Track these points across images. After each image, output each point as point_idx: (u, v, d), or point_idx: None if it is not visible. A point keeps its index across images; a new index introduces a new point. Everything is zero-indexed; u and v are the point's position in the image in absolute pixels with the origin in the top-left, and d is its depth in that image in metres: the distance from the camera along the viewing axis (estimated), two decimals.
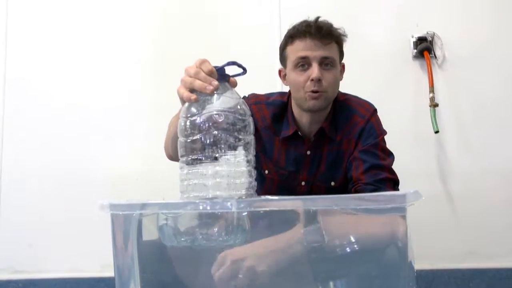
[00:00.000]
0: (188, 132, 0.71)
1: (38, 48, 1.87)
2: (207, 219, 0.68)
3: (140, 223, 0.76)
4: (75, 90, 1.84)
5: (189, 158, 0.71)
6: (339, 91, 1.25)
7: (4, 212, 1.79)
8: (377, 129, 1.20)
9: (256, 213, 0.67)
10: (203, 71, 0.75)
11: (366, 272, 0.70)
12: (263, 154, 1.24)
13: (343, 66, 1.23)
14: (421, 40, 1.80)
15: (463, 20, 1.82)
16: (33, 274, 1.76)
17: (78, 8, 1.89)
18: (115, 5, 1.89)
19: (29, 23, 1.88)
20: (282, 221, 0.71)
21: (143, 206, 0.70)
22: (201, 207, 0.66)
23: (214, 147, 0.69)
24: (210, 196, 0.68)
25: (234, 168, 0.70)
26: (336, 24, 1.19)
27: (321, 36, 1.12)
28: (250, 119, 0.74)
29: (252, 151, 0.74)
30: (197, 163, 0.70)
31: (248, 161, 0.72)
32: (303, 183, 1.22)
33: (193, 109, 0.72)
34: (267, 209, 0.66)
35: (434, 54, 1.80)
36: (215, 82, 0.73)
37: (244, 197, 0.69)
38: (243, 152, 0.71)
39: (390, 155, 1.18)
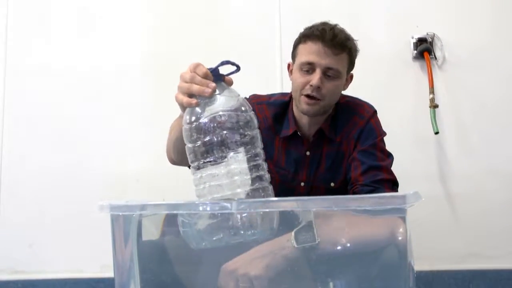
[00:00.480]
0: (194, 137, 0.72)
1: (38, 48, 1.87)
2: (232, 216, 0.68)
3: (140, 224, 0.76)
4: (75, 90, 1.84)
5: (200, 162, 0.72)
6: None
7: (4, 213, 1.79)
8: (376, 130, 1.20)
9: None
10: (198, 75, 0.75)
11: (366, 273, 0.70)
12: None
13: (351, 77, 1.23)
14: (421, 41, 1.80)
15: (463, 21, 1.82)
16: (32, 275, 1.76)
17: (78, 9, 1.88)
18: (115, 6, 1.88)
19: (29, 23, 1.88)
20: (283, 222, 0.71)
21: (143, 207, 0.70)
22: (200, 208, 0.66)
23: (222, 147, 0.70)
24: (229, 194, 0.69)
25: (245, 165, 0.71)
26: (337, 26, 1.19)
27: (333, 45, 1.11)
28: (252, 114, 0.75)
29: (260, 144, 0.75)
30: (208, 166, 0.71)
31: (257, 155, 0.73)
32: (302, 183, 1.22)
33: (195, 114, 0.73)
34: (267, 210, 0.66)
35: (434, 55, 1.80)
36: (212, 84, 0.74)
37: (260, 191, 0.71)
38: (249, 147, 0.72)
39: (389, 156, 1.18)
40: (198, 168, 0.72)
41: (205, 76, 0.75)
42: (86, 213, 1.65)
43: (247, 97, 1.25)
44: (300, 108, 1.17)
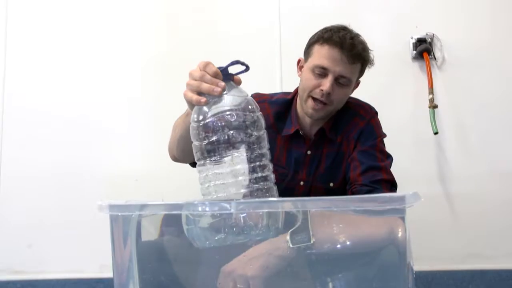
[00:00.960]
0: (202, 135, 0.72)
1: (38, 49, 1.87)
2: (236, 216, 0.69)
3: (139, 224, 0.76)
4: (74, 91, 1.84)
5: (206, 161, 0.72)
6: None
7: (3, 213, 1.79)
8: (377, 131, 1.20)
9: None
10: (208, 73, 0.75)
11: (366, 273, 0.70)
12: None
13: (358, 83, 1.23)
14: (420, 41, 1.80)
15: (462, 22, 1.82)
16: (32, 275, 1.76)
17: (78, 10, 1.88)
18: (115, 7, 1.88)
19: (29, 24, 1.88)
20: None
21: (142, 207, 0.70)
22: (200, 209, 0.66)
23: (229, 146, 0.71)
24: (233, 193, 0.70)
25: (251, 165, 0.71)
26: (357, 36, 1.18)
27: (350, 54, 1.11)
28: (260, 114, 0.75)
29: (266, 145, 0.75)
30: (214, 164, 0.71)
31: (263, 155, 0.73)
32: (301, 183, 1.23)
33: (204, 112, 0.73)
34: (266, 210, 0.66)
35: (434, 56, 1.80)
36: (222, 83, 0.74)
37: (264, 191, 0.71)
38: (255, 147, 0.72)
39: (388, 157, 1.19)
40: (204, 166, 0.73)
41: (215, 75, 0.75)
42: (85, 213, 1.64)
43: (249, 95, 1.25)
44: (305, 110, 1.17)
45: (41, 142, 1.82)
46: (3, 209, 1.79)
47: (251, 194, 0.70)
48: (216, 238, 0.69)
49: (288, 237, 0.71)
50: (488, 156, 1.76)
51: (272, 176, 0.75)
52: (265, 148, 0.75)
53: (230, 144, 0.71)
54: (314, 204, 0.65)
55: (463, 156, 1.77)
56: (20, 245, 1.78)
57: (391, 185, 1.14)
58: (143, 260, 0.76)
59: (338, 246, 0.70)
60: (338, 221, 0.71)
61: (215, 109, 0.73)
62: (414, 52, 1.80)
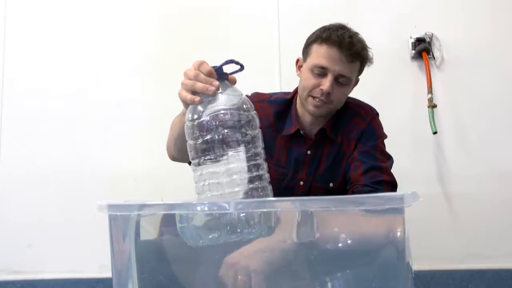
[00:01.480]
0: (196, 134, 0.72)
1: (37, 47, 1.87)
2: (230, 214, 0.68)
3: (138, 224, 0.76)
4: (74, 91, 1.84)
5: (201, 160, 0.72)
6: None
7: (2, 213, 1.79)
8: (378, 132, 1.21)
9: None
10: (202, 72, 0.75)
11: (364, 272, 0.70)
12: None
13: (357, 81, 1.23)
14: (419, 41, 1.80)
15: (461, 21, 1.82)
16: (31, 275, 1.76)
17: (78, 8, 1.88)
18: (115, 7, 1.88)
19: (28, 24, 1.88)
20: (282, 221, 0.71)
21: (141, 207, 0.70)
22: (198, 208, 0.66)
23: (224, 145, 0.71)
24: (228, 192, 0.70)
25: (245, 164, 0.71)
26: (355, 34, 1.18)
27: (349, 53, 1.11)
28: (254, 113, 0.76)
29: (261, 144, 0.75)
30: (209, 163, 0.71)
31: (257, 154, 0.74)
32: (301, 182, 1.23)
33: (198, 111, 0.74)
34: (265, 210, 0.66)
35: (433, 55, 1.80)
36: (216, 82, 0.74)
37: (259, 190, 0.71)
38: (250, 146, 0.72)
39: (389, 158, 1.19)
40: (199, 165, 0.73)
41: (209, 74, 0.75)
42: (84, 213, 1.64)
43: (249, 95, 1.25)
44: (307, 109, 1.18)
45: (40, 142, 1.82)
46: (2, 209, 1.79)
47: (245, 193, 0.70)
48: (210, 237, 0.69)
49: (294, 232, 0.71)
50: (487, 155, 1.76)
51: (267, 175, 0.76)
52: (260, 147, 0.75)
53: (225, 143, 0.71)
54: (313, 204, 0.65)
55: (462, 156, 1.77)
56: (20, 245, 1.78)
57: (392, 186, 1.15)
58: (142, 260, 0.76)
59: (340, 244, 0.70)
60: (340, 218, 0.71)
61: (209, 108, 0.73)
62: (413, 51, 1.80)
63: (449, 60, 1.81)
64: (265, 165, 0.76)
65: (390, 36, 1.82)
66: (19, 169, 1.81)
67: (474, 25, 1.81)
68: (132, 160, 1.80)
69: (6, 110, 1.84)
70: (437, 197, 1.75)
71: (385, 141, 1.22)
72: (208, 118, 0.72)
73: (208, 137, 0.71)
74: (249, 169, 0.72)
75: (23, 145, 1.82)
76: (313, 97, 1.15)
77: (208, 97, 0.74)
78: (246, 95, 0.79)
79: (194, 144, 0.73)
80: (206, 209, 0.66)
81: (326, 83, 1.12)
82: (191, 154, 0.75)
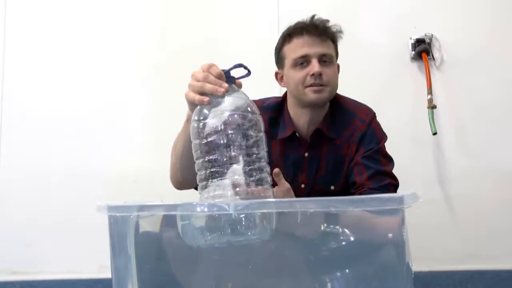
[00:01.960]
0: (203, 134, 0.73)
1: (37, 48, 1.87)
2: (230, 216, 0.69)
3: (137, 225, 0.76)
4: (73, 91, 1.84)
5: (205, 159, 0.73)
6: (337, 93, 1.26)
7: (2, 213, 1.79)
8: (378, 135, 1.21)
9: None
10: (212, 74, 0.77)
11: (364, 273, 0.70)
12: None
13: (338, 66, 1.23)
14: (419, 42, 1.80)
15: (461, 22, 1.82)
16: (31, 275, 1.76)
17: (78, 8, 1.88)
18: (117, 10, 1.88)
19: (28, 24, 1.88)
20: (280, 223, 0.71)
21: (141, 207, 0.70)
22: (198, 209, 0.66)
23: (228, 146, 0.72)
24: (229, 193, 0.71)
25: (248, 166, 0.72)
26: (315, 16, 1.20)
27: (318, 33, 1.14)
28: (259, 117, 0.77)
29: (264, 147, 0.76)
30: (212, 163, 0.72)
31: (260, 157, 0.74)
32: (302, 185, 1.22)
33: (205, 112, 0.75)
34: (265, 211, 0.66)
35: (432, 56, 1.80)
36: (225, 84, 0.76)
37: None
38: (253, 149, 0.74)
39: (390, 160, 1.20)
40: (203, 165, 0.74)
41: (219, 77, 0.77)
42: (84, 214, 1.64)
43: None
44: (308, 100, 1.16)
45: (40, 143, 1.82)
46: (2, 209, 1.79)
47: (247, 194, 0.70)
48: (210, 237, 0.69)
49: (294, 233, 0.72)
50: (487, 156, 1.76)
51: (269, 178, 0.76)
52: (263, 151, 0.76)
53: (229, 145, 0.72)
54: (313, 205, 0.65)
55: (461, 157, 1.77)
56: (19, 245, 1.78)
57: (395, 189, 1.16)
58: (141, 260, 0.76)
59: (340, 245, 0.70)
60: (340, 220, 0.71)
61: (217, 109, 0.74)
62: (413, 52, 1.80)
63: (449, 61, 1.81)
64: (268, 168, 0.76)
65: (390, 37, 1.82)
66: (18, 169, 1.81)
67: (474, 26, 1.81)
68: (132, 160, 1.80)
69: (6, 110, 1.84)
70: (436, 198, 1.75)
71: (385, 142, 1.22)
72: (214, 119, 0.73)
73: (214, 137, 0.72)
74: (252, 172, 0.72)
75: (23, 145, 1.82)
76: (309, 86, 1.15)
77: (216, 98, 0.75)
78: None
79: (199, 144, 0.74)
80: (206, 210, 0.66)
81: (314, 66, 1.13)
82: (195, 154, 0.75)
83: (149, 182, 1.75)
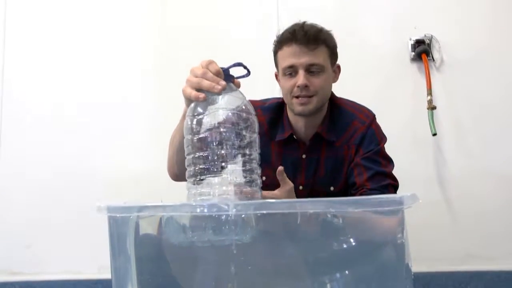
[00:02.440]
0: (196, 129, 0.73)
1: (37, 48, 1.87)
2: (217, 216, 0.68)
3: (137, 225, 0.76)
4: (73, 91, 1.84)
5: (196, 156, 0.72)
6: (335, 95, 1.26)
7: (2, 213, 1.79)
8: (378, 136, 1.21)
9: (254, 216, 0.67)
10: (210, 71, 0.76)
11: (364, 274, 0.70)
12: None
13: (338, 67, 1.23)
14: (419, 42, 1.80)
15: (461, 23, 1.83)
16: (30, 276, 1.76)
17: (78, 9, 1.89)
18: (116, 10, 1.89)
19: (28, 24, 1.88)
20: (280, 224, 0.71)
21: (141, 208, 0.70)
22: (198, 210, 0.66)
23: (220, 145, 0.71)
24: (217, 190, 0.71)
25: (239, 166, 0.72)
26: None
27: (307, 42, 1.12)
28: (255, 118, 0.76)
29: (257, 149, 0.76)
30: (203, 160, 0.72)
31: (252, 158, 0.74)
32: (301, 187, 1.22)
33: (200, 108, 0.74)
34: (264, 211, 0.66)
35: (432, 57, 1.80)
36: (223, 82, 0.75)
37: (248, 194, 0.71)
38: (246, 149, 0.73)
39: (390, 161, 1.20)
40: (193, 160, 0.73)
41: (217, 74, 0.76)
42: (84, 215, 1.64)
43: None
44: (296, 111, 1.17)
45: (40, 143, 1.82)
46: (1, 210, 1.79)
47: (235, 194, 0.70)
48: (191, 235, 0.69)
49: (293, 233, 0.72)
50: (487, 157, 1.76)
51: (260, 181, 0.76)
52: (256, 152, 0.75)
53: (221, 143, 0.71)
54: (312, 205, 0.65)
55: (461, 157, 1.77)
56: (19, 246, 1.78)
57: (395, 189, 1.16)
58: (141, 261, 0.76)
59: (340, 245, 0.70)
60: (340, 220, 0.71)
61: (212, 106, 0.74)
62: (413, 53, 1.80)
63: (449, 61, 1.81)
64: (259, 170, 0.76)
65: (389, 37, 1.82)
66: (18, 170, 1.81)
67: (474, 26, 1.82)
68: (132, 161, 1.80)
69: (6, 110, 1.84)
70: (436, 199, 1.75)
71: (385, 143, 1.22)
72: (209, 116, 0.73)
73: (207, 134, 0.72)
74: (243, 172, 0.72)
75: (23, 146, 1.82)
76: (296, 97, 1.15)
77: (212, 96, 0.75)
78: None
79: (191, 140, 0.74)
80: (205, 210, 0.65)
81: (300, 78, 1.12)
82: (187, 149, 0.75)
83: (149, 183, 1.75)
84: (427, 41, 1.80)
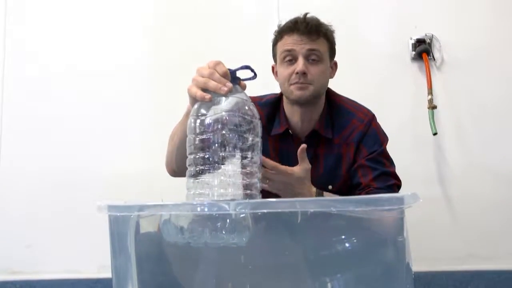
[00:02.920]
0: (199, 129, 0.73)
1: (37, 48, 1.87)
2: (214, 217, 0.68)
3: (138, 225, 0.76)
4: (73, 91, 1.84)
5: (197, 155, 0.72)
6: (334, 93, 1.26)
7: (2, 213, 1.79)
8: (380, 136, 1.21)
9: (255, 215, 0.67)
10: (217, 72, 0.76)
11: (364, 273, 0.70)
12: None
13: (335, 64, 1.23)
14: (419, 42, 1.80)
15: (461, 22, 1.82)
16: (30, 275, 1.76)
17: (78, 7, 1.89)
18: (115, 5, 1.89)
19: (28, 24, 1.88)
20: (280, 223, 0.71)
21: (141, 207, 0.70)
22: (198, 209, 0.66)
23: (222, 146, 0.71)
24: (215, 192, 0.70)
25: (239, 168, 0.71)
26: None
27: (308, 31, 1.13)
28: (259, 122, 0.76)
29: (259, 153, 0.76)
30: (203, 161, 0.72)
31: (253, 162, 0.74)
32: None
33: (205, 108, 0.74)
34: (265, 211, 0.66)
35: (433, 56, 1.80)
36: (229, 84, 0.75)
37: (248, 199, 0.71)
38: (247, 153, 0.73)
39: (392, 162, 1.21)
40: (194, 160, 0.73)
41: (224, 75, 0.76)
42: (84, 214, 1.64)
43: None
44: (293, 96, 1.16)
45: (39, 142, 1.82)
46: (1, 209, 1.79)
47: (233, 196, 0.70)
48: (188, 236, 0.69)
49: (293, 233, 0.72)
50: (487, 156, 1.76)
51: (259, 185, 0.75)
52: (257, 156, 0.75)
53: (223, 144, 0.71)
54: (313, 205, 0.65)
55: (462, 157, 1.77)
56: (19, 245, 1.77)
57: (398, 189, 1.17)
58: (141, 260, 0.76)
59: (340, 245, 0.70)
60: (340, 219, 0.71)
61: (217, 107, 0.74)
62: (413, 52, 1.80)
63: (449, 61, 1.81)
64: (259, 174, 0.75)
65: (390, 37, 1.82)
66: (18, 169, 1.81)
67: (474, 26, 1.81)
68: (132, 160, 1.80)
69: (6, 110, 1.84)
70: (437, 198, 1.75)
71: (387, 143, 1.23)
72: (213, 116, 0.73)
73: (209, 135, 0.72)
74: (243, 175, 0.72)
75: (23, 145, 1.82)
76: (294, 84, 1.15)
77: (218, 97, 0.74)
78: None
79: (194, 139, 0.73)
80: (206, 210, 0.65)
81: (299, 64, 1.13)
82: (189, 148, 0.75)
83: (149, 182, 1.75)
84: (427, 41, 1.80)
